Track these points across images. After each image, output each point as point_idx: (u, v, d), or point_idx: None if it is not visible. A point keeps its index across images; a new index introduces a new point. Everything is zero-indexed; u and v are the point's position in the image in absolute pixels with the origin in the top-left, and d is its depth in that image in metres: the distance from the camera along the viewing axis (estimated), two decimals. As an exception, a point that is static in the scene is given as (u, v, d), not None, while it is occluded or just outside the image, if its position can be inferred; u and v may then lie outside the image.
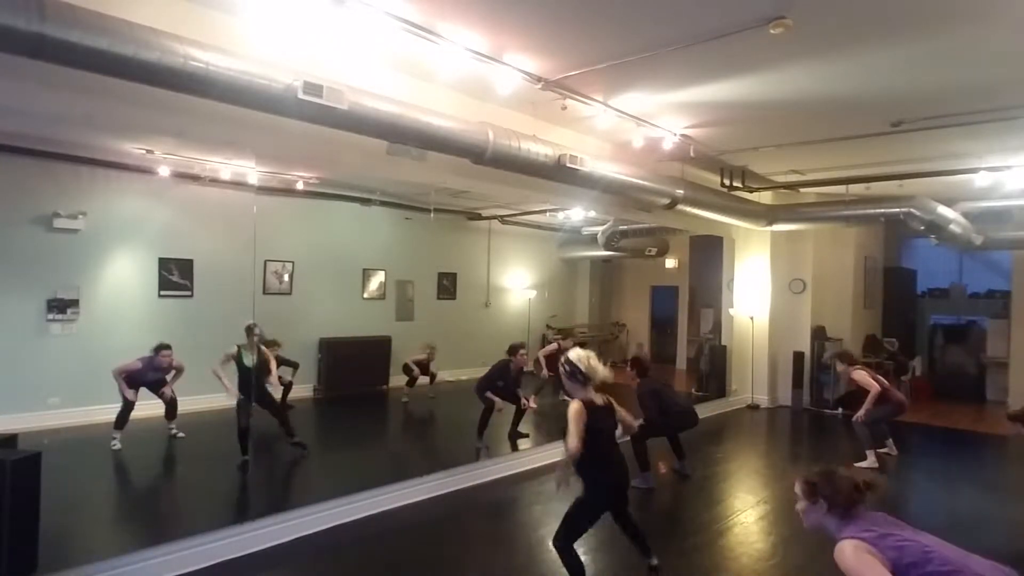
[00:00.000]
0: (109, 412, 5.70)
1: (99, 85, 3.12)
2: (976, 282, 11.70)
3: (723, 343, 9.56)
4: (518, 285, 10.97)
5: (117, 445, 5.68)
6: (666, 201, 6.53)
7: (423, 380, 8.19)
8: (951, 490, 5.97)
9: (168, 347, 5.84)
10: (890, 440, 6.63)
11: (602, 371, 3.38)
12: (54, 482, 3.66)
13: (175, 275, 7.20)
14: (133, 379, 5.75)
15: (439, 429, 8.24)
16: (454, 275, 10.14)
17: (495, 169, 4.89)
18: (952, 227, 7.58)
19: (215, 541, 3.88)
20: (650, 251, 11.09)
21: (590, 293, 12.60)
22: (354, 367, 8.48)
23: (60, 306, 6.38)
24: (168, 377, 5.93)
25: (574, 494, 3.41)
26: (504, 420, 6.58)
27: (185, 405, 6.13)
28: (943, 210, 7.48)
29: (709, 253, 10.30)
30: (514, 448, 6.47)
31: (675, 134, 6.01)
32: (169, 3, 3.50)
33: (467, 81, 4.43)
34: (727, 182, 7.85)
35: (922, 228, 7.67)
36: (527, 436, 6.80)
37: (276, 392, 6.08)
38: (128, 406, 5.69)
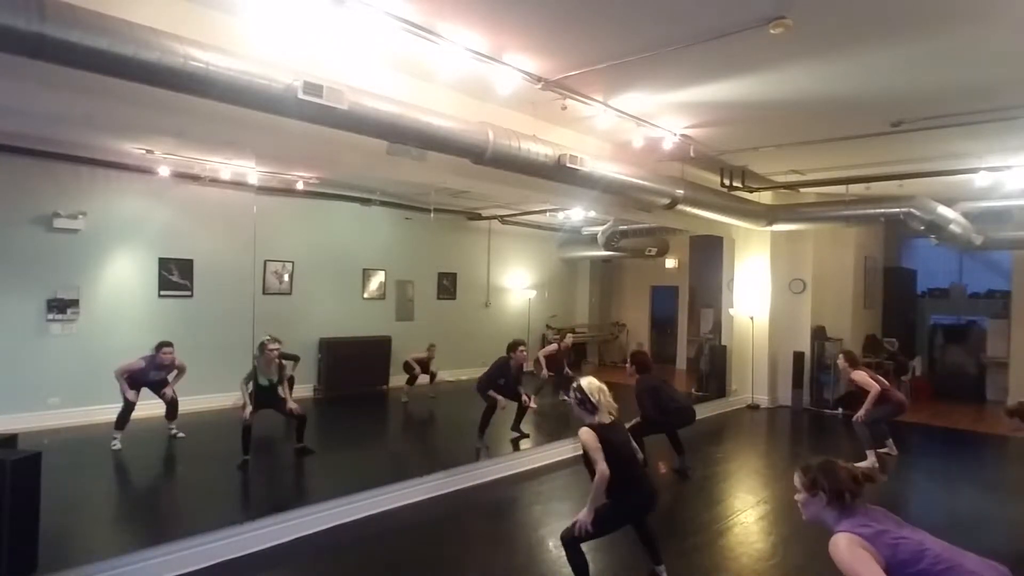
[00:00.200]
0: (109, 412, 5.70)
1: (99, 85, 3.12)
2: (976, 282, 11.69)
3: (723, 343, 9.56)
4: (518, 285, 10.97)
5: (117, 445, 5.68)
6: (666, 201, 6.53)
7: (423, 380, 8.19)
8: (951, 490, 5.97)
9: (170, 344, 5.84)
10: (890, 440, 6.63)
11: (608, 404, 3.46)
12: (54, 482, 3.66)
13: (175, 275, 7.20)
14: (136, 379, 5.74)
15: (439, 429, 8.24)
16: (454, 275, 10.14)
17: (495, 169, 4.89)
18: (952, 227, 7.59)
19: (215, 541, 3.87)
20: (650, 251, 11.09)
21: (590, 293, 12.59)
22: (354, 367, 8.48)
23: (60, 306, 6.38)
24: (171, 376, 5.93)
25: (575, 494, 3.40)
26: (504, 420, 6.59)
27: (185, 405, 6.13)
28: (943, 210, 7.48)
29: (709, 253, 10.30)
30: (514, 448, 6.47)
31: (675, 134, 6.01)
32: (169, 3, 3.50)
33: (467, 81, 4.43)
34: (727, 182, 7.85)
35: (922, 228, 7.67)
36: (527, 436, 6.80)
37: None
38: (129, 407, 5.69)
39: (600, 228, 9.62)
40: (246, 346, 5.31)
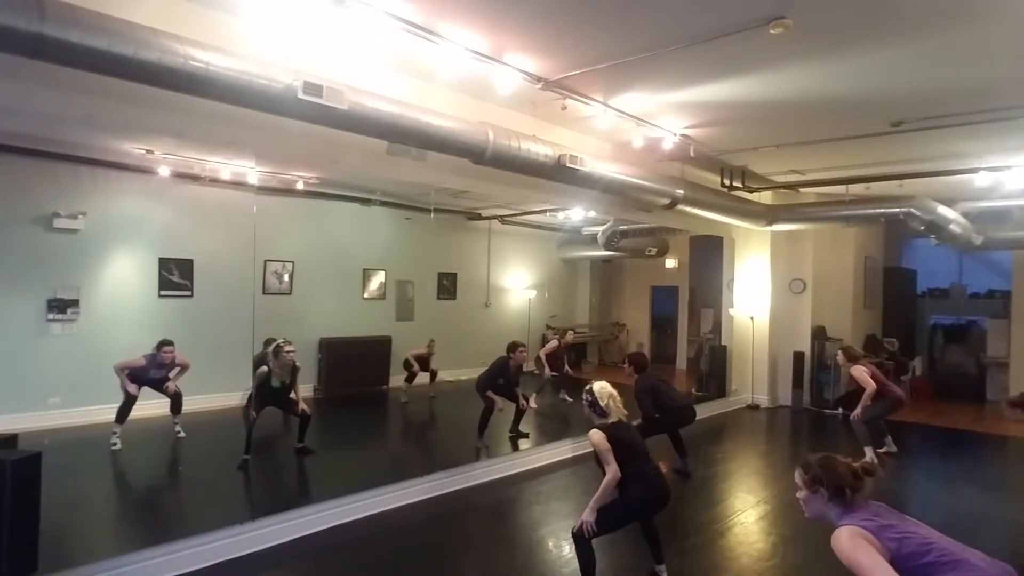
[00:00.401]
0: (109, 412, 5.70)
1: (99, 85, 3.12)
2: (976, 282, 11.69)
3: (723, 343, 9.56)
4: (518, 285, 10.96)
5: (117, 445, 5.68)
6: (666, 201, 6.53)
7: (423, 379, 8.18)
8: (951, 490, 5.96)
9: (170, 343, 5.83)
10: (889, 438, 6.64)
11: (618, 411, 3.54)
12: (54, 482, 3.66)
13: (175, 275, 7.20)
14: (136, 377, 5.74)
15: (439, 429, 8.24)
16: (454, 275, 10.13)
17: (495, 169, 4.89)
18: (952, 227, 7.58)
19: (215, 541, 3.88)
20: (650, 251, 11.09)
21: (590, 293, 12.59)
22: (354, 367, 8.48)
23: (60, 306, 6.38)
24: (172, 374, 5.93)
25: (575, 494, 3.41)
26: (504, 420, 6.58)
27: (185, 405, 6.12)
28: (943, 210, 7.48)
29: (709, 253, 10.29)
30: (514, 448, 6.47)
31: (675, 134, 6.01)
32: (169, 3, 3.50)
33: (467, 81, 4.43)
34: (727, 182, 7.85)
35: (922, 228, 7.67)
36: (527, 436, 6.80)
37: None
38: (130, 400, 5.68)
39: (600, 228, 9.61)
40: (246, 346, 5.29)
